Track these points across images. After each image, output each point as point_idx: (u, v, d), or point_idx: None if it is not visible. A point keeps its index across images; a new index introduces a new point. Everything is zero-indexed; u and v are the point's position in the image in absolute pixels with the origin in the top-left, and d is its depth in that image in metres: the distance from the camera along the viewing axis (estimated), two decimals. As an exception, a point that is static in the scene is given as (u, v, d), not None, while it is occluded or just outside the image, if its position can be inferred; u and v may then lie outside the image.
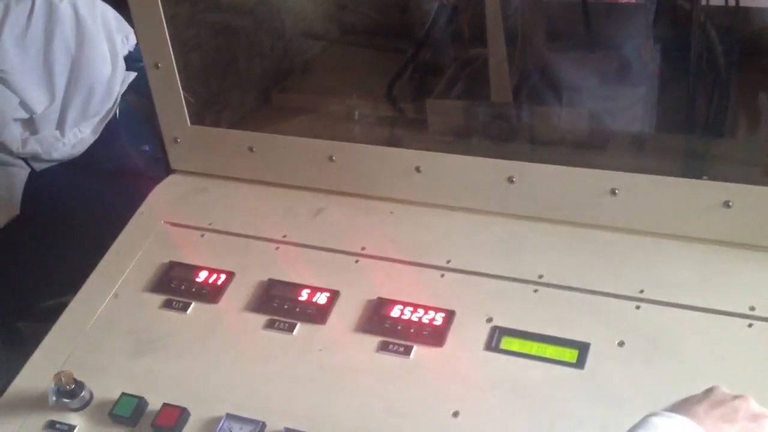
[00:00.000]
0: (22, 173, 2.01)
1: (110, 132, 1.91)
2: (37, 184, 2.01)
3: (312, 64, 1.49)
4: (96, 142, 1.97)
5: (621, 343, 0.92)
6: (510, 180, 1.05)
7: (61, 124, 2.14)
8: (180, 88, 1.16)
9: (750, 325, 0.91)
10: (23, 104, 2.07)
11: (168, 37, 1.12)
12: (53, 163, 2.04)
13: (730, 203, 0.97)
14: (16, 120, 2.03)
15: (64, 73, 2.08)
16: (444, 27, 1.28)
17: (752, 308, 0.92)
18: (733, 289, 0.94)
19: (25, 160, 2.01)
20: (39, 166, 2.03)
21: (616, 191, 1.01)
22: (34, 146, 2.02)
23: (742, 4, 1.14)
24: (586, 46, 1.24)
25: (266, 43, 1.39)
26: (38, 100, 2.11)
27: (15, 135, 2.00)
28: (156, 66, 1.14)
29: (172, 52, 1.13)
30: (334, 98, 1.32)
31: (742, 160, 1.07)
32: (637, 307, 0.95)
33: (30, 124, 2.08)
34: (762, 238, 0.97)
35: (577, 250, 1.03)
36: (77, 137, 2.02)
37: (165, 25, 1.11)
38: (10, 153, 1.99)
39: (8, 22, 2.11)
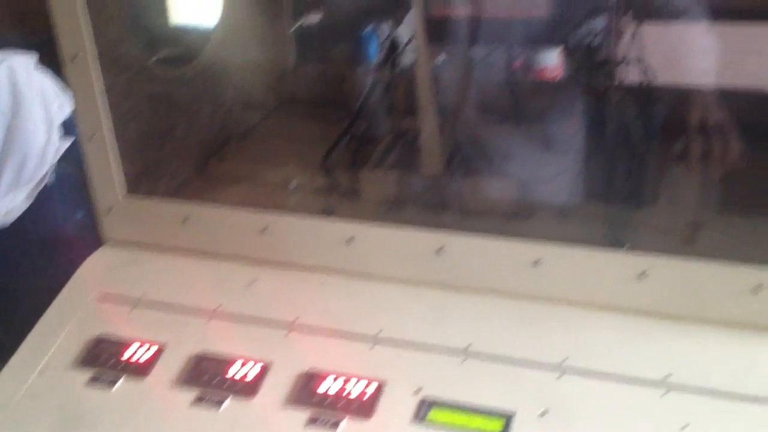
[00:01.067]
0: (-52, 242, 1.98)
1: (44, 199, 1.89)
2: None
3: (251, 133, 1.51)
4: (29, 209, 1.95)
5: (543, 413, 0.94)
6: (439, 250, 1.08)
7: (-10, 191, 2.11)
8: (115, 158, 1.16)
9: (665, 393, 0.94)
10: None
11: (104, 108, 1.13)
12: (-19, 231, 2.00)
13: (647, 273, 1.00)
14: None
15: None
16: (379, 99, 1.32)
17: (668, 376, 0.95)
18: (649, 357, 0.97)
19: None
20: (-34, 235, 1.99)
21: (540, 261, 1.04)
22: (-37, 213, 1.98)
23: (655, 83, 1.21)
24: (514, 120, 1.29)
25: (205, 113, 1.41)
26: (-33, 166, 2.09)
27: (-58, 202, 1.97)
28: (91, 135, 1.15)
29: (107, 123, 1.14)
30: (271, 168, 1.34)
31: (660, 229, 1.11)
32: (559, 377, 0.97)
33: (-42, 190, 2.05)
34: (677, 307, 1.00)
35: (503, 320, 1.05)
36: (10, 204, 1.99)
37: (102, 95, 1.12)
38: (-62, 220, 1.96)
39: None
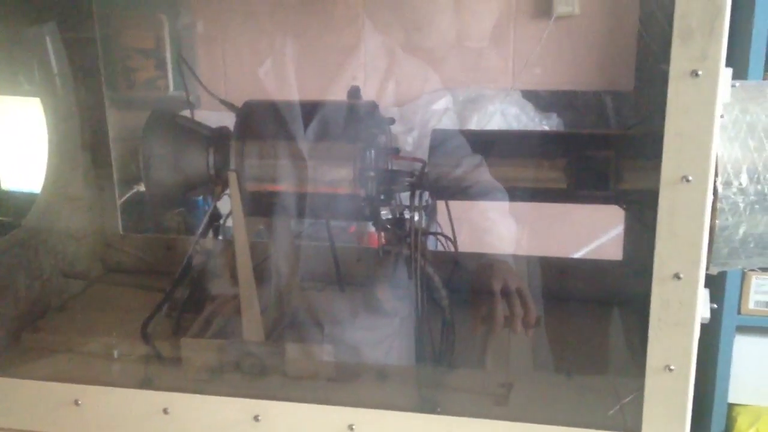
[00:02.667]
0: None
1: None
2: None
3: (71, 303, 1.48)
4: None
5: None
6: (256, 418, 1.09)
7: None
8: None
9: None
10: None
11: None
12: None
13: (455, 433, 1.06)
14: None
15: None
16: (201, 267, 1.34)
17: None
18: None
19: None
20: None
21: (353, 427, 1.07)
22: None
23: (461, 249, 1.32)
24: (335, 286, 1.35)
25: (21, 284, 1.38)
26: None
27: None
28: None
29: None
30: (88, 338, 1.31)
31: (470, 390, 1.17)
32: None
33: None
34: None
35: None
36: None
37: None
38: None
39: None
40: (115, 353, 1.28)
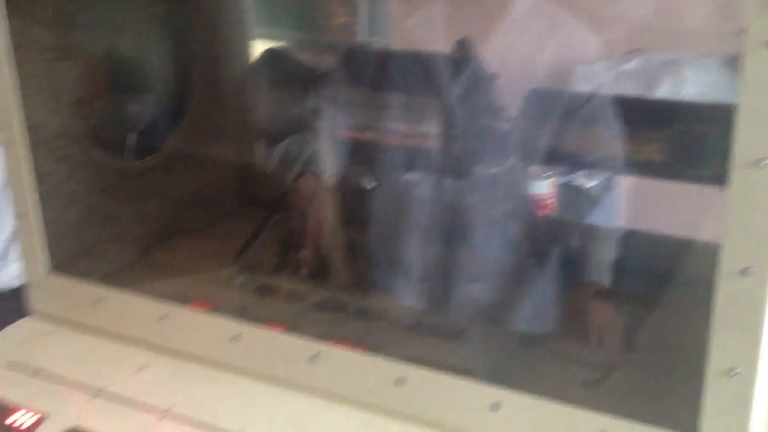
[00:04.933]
0: None
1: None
2: None
3: (202, 230, 1.59)
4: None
5: None
6: (311, 359, 1.12)
7: (4, 256, 2.27)
8: (40, 237, 1.26)
9: None
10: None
11: (32, 191, 1.23)
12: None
13: (499, 406, 1.02)
14: None
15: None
16: (300, 204, 1.39)
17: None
18: None
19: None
20: None
21: (403, 381, 1.07)
22: None
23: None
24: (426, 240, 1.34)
25: (154, 205, 1.51)
26: None
27: None
28: (20, 214, 1.26)
29: (35, 204, 1.24)
30: (211, 265, 1.41)
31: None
32: (395, 496, 0.99)
33: None
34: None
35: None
36: (18, 271, 2.13)
37: (31, 179, 1.23)
38: None
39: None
40: (237, 281, 1.37)
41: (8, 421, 1.13)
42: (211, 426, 1.10)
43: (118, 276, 1.32)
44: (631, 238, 1.29)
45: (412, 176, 1.35)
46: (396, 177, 1.34)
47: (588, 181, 1.66)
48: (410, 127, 1.20)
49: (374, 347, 1.11)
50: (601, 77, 2.40)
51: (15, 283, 2.17)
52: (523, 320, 1.20)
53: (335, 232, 1.34)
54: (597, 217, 1.50)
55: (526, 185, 1.29)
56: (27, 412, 1.14)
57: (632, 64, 2.47)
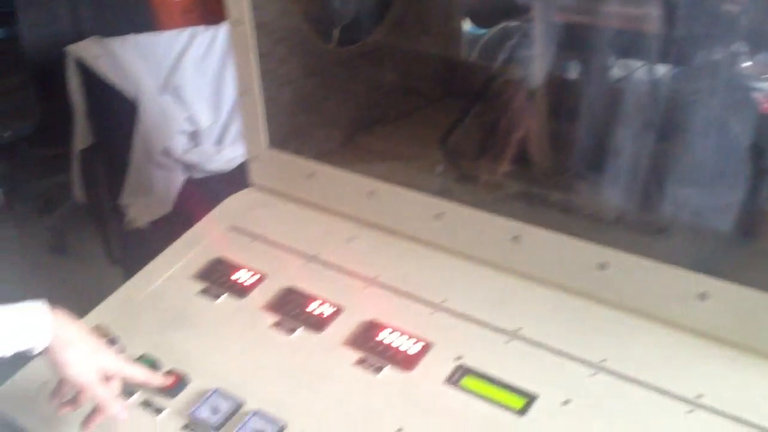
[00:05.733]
0: (179, 178, 2.33)
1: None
2: (191, 189, 2.31)
3: (407, 118, 1.63)
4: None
5: (566, 402, 0.98)
6: (515, 239, 1.14)
7: (220, 141, 2.45)
8: (261, 114, 1.35)
9: (690, 411, 0.94)
10: (190, 119, 2.40)
11: (257, 70, 1.32)
12: (207, 174, 2.34)
13: (707, 295, 1.00)
14: (182, 131, 2.36)
15: (231, 97, 2.40)
16: (507, 93, 1.39)
17: (699, 396, 0.95)
18: (687, 375, 0.98)
19: (184, 166, 2.33)
20: (195, 175, 2.33)
21: (607, 265, 1.07)
22: (194, 156, 2.33)
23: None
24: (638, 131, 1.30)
25: (362, 91, 1.56)
26: (204, 117, 2.44)
27: (179, 144, 2.33)
28: (244, 92, 1.35)
29: (258, 83, 1.33)
30: (414, 149, 1.45)
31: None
32: (593, 374, 1.01)
33: (194, 136, 2.41)
34: (731, 333, 0.99)
35: (560, 314, 1.09)
36: (233, 154, 2.31)
37: (256, 59, 1.31)
38: (173, 159, 2.31)
39: (193, 46, 2.47)
40: (441, 166, 1.40)
41: (233, 277, 1.25)
42: (415, 296, 1.16)
43: (328, 156, 1.40)
44: None
45: (627, 63, 1.30)
46: (610, 64, 1.30)
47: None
48: (628, 8, 1.15)
49: (576, 234, 1.11)
50: None
51: (230, 166, 2.34)
52: (735, 220, 1.15)
53: (542, 121, 1.33)
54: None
55: (752, 78, 1.21)
56: (248, 271, 1.26)
57: None
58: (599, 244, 1.08)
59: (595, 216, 1.20)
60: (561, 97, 1.32)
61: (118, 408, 1.02)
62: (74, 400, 1.04)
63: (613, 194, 1.23)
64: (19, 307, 0.97)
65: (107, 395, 1.01)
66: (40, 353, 0.98)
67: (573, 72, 1.34)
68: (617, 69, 1.32)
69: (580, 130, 1.28)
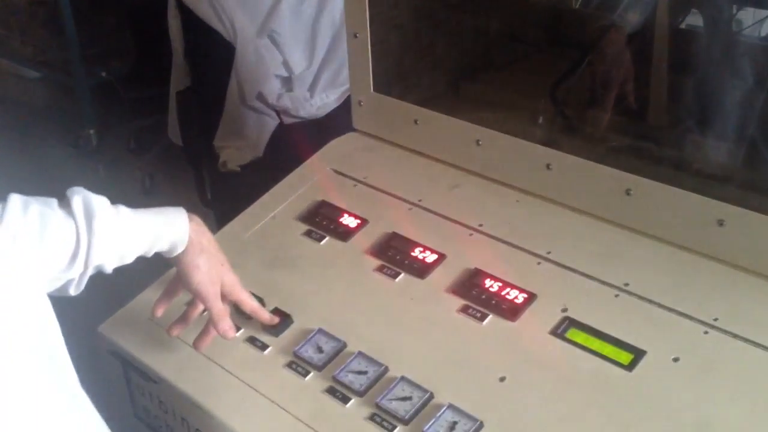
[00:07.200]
0: (271, 123, 2.35)
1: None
2: (282, 134, 2.34)
3: (513, 64, 1.60)
4: (338, 108, 2.26)
5: (676, 359, 0.96)
6: (627, 192, 1.11)
7: (312, 87, 2.46)
8: (370, 58, 1.34)
9: (809, 375, 0.91)
10: (285, 64, 2.41)
11: (367, 13, 1.30)
12: (299, 120, 2.35)
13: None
14: (276, 76, 2.37)
15: (325, 44, 2.40)
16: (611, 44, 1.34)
17: (819, 360, 0.91)
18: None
19: (276, 112, 2.35)
20: (286, 120, 2.35)
21: (725, 222, 1.04)
22: (286, 102, 2.34)
23: None
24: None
25: (467, 38, 1.54)
26: (298, 63, 2.45)
27: (273, 89, 2.34)
28: (354, 35, 1.34)
29: (369, 26, 1.32)
30: (521, 96, 1.43)
31: None
32: (705, 332, 0.98)
33: (287, 82, 2.42)
34: None
35: (670, 270, 1.07)
36: (323, 101, 2.32)
37: (366, 1, 1.30)
38: (266, 104, 2.33)
39: (290, -10, 2.47)
40: (549, 115, 1.38)
41: (336, 221, 1.26)
42: (519, 246, 1.15)
43: (432, 102, 1.38)
44: None
45: (742, 14, 1.24)
46: (725, 15, 1.24)
47: None
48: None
49: (692, 189, 1.07)
50: None
51: (321, 113, 2.35)
52: None
53: (652, 73, 1.29)
54: None
55: None
56: (351, 215, 1.26)
57: None
58: (717, 199, 1.04)
59: (711, 172, 1.16)
60: (670, 48, 1.27)
61: (229, 325, 1.05)
62: (184, 318, 1.07)
63: (729, 150, 1.19)
64: (161, 210, 1.00)
65: (222, 310, 1.04)
66: (175, 257, 1.01)
67: (686, 22, 1.28)
68: (735, 19, 1.27)
69: (690, 84, 1.24)
